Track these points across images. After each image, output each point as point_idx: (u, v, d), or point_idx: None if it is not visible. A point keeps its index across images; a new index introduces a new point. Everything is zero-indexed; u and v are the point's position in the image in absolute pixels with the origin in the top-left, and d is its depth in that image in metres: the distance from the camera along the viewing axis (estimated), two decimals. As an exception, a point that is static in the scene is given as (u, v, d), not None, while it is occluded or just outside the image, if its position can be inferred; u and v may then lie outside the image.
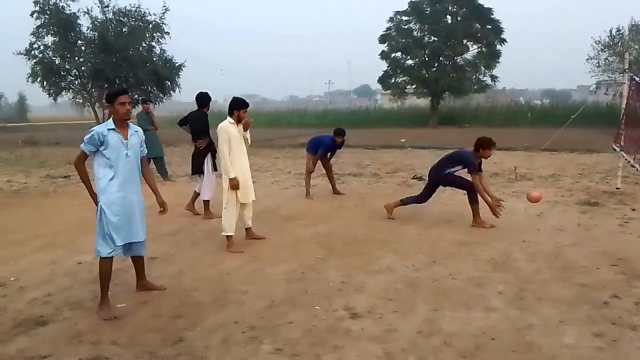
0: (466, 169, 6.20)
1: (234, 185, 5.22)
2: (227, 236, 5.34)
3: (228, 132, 5.19)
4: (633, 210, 6.83)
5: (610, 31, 30.74)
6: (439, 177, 6.46)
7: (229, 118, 5.31)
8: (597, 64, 31.42)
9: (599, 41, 30.93)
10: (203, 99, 7.02)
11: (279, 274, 4.56)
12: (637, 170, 7.58)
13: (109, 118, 3.90)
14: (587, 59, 31.66)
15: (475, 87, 33.32)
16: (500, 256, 4.95)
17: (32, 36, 21.80)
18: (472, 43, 32.99)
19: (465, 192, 6.34)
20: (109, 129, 3.70)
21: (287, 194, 8.80)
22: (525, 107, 37.13)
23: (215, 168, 6.95)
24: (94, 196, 3.78)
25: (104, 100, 4.06)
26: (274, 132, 25.42)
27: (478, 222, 6.18)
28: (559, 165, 11.61)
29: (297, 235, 5.95)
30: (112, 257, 3.77)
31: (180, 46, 26.19)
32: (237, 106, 5.30)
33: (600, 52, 31.39)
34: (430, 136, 21.78)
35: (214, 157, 6.94)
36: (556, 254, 5.02)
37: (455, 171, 6.34)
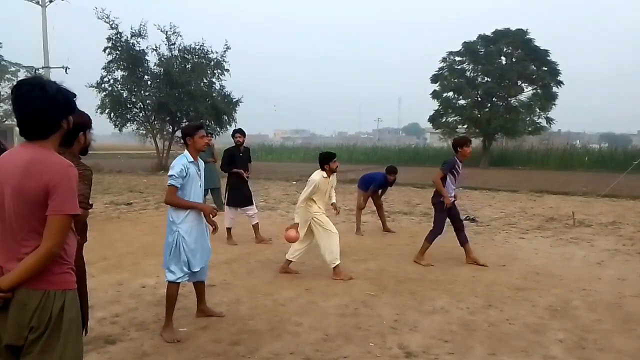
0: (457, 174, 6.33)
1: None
2: (336, 265, 5.60)
3: (317, 183, 5.58)
4: (703, 263, 6.47)
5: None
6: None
7: (322, 172, 5.68)
8: (661, 108, 30.05)
9: (663, 85, 29.65)
10: None
11: (331, 308, 4.64)
12: None
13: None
14: (650, 103, 30.37)
15: (530, 129, 32.70)
16: (559, 303, 4.82)
17: (103, 70, 23.46)
18: (526, 84, 32.61)
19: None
20: (189, 162, 3.97)
21: (338, 229, 8.87)
22: (581, 150, 35.90)
23: (228, 202, 7.68)
24: (204, 207, 4.03)
25: (179, 134, 4.28)
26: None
27: (419, 258, 6.37)
28: (619, 213, 11.14)
29: (348, 270, 6.02)
30: (179, 282, 3.99)
31: (236, 79, 27.34)
32: (327, 160, 5.68)
33: (664, 95, 30.06)
34: (482, 177, 21.42)
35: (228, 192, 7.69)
36: (618, 304, 4.83)
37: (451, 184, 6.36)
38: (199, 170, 4.04)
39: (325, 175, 5.65)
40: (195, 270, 4.00)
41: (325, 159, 5.66)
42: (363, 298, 4.93)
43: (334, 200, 6.02)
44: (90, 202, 2.72)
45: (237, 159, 7.55)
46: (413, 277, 5.73)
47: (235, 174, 7.49)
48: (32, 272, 1.88)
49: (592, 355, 3.65)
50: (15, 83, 2.05)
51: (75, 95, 2.10)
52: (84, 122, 2.80)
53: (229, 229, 7.46)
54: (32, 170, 1.89)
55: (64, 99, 2.01)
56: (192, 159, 3.99)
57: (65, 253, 1.99)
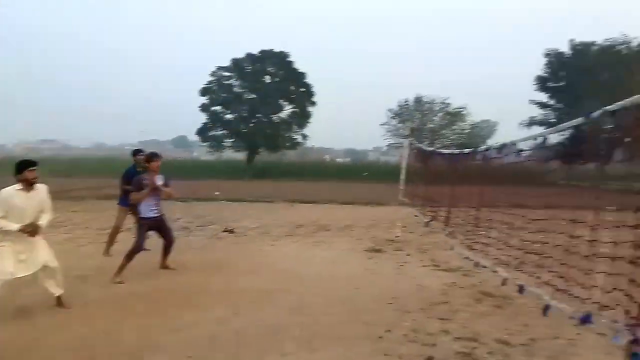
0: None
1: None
2: None
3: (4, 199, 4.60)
4: (408, 255, 7.97)
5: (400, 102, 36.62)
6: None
7: (16, 185, 4.73)
8: (389, 129, 36.84)
9: (391, 109, 36.46)
10: None
11: (61, 344, 4.10)
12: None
13: None
14: (381, 124, 36.90)
15: (288, 144, 35.75)
16: (300, 302, 5.28)
17: None
18: (287, 103, 35.55)
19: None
20: None
21: (82, 252, 8.03)
22: (331, 163, 40.94)
23: None
24: None
25: None
26: (75, 182, 22.94)
27: (117, 275, 6.06)
28: (355, 217, 12.96)
29: (93, 296, 5.46)
30: None
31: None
32: (22, 168, 4.71)
33: (391, 119, 36.95)
34: (246, 188, 22.33)
35: None
36: (350, 297, 5.54)
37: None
38: None
39: (20, 187, 4.68)
40: None
41: (20, 168, 4.69)
42: (104, 327, 4.51)
43: (42, 222, 4.77)
44: None
45: None
46: (164, 295, 5.53)
47: None
48: None
49: (321, 345, 4.09)
50: None
51: None
52: None
53: None
54: None
55: None
56: None
57: None
